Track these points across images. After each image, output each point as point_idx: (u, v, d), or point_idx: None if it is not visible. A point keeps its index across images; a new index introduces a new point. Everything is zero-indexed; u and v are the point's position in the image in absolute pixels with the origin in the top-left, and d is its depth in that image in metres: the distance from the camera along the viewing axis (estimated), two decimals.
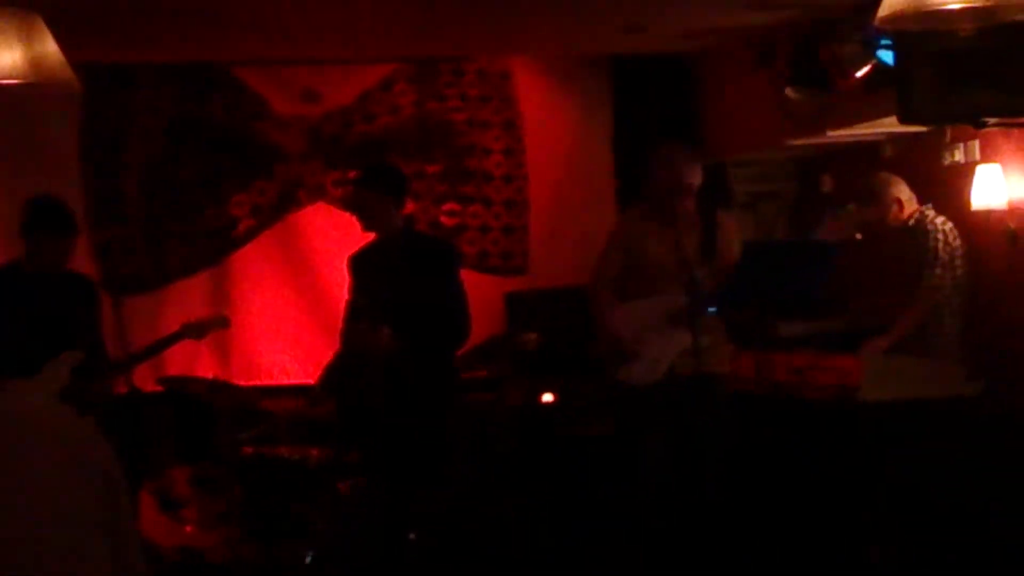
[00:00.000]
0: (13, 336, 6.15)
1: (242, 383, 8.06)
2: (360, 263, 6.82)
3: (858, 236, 6.78)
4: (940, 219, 6.84)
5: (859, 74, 6.92)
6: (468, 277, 7.07)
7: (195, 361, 8.07)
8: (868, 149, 8.05)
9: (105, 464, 2.57)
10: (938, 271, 6.71)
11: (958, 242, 6.80)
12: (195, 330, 6.73)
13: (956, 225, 6.89)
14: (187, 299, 8.40)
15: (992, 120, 6.22)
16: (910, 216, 6.86)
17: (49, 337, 6.15)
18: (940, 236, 6.78)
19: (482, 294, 8.27)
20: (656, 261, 6.45)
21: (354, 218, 6.66)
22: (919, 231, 6.80)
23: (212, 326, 6.83)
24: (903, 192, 6.90)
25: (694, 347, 6.24)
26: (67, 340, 6.18)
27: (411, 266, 6.58)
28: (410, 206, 8.48)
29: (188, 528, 6.84)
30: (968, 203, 7.06)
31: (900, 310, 6.82)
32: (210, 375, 7.64)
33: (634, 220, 6.70)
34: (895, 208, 6.87)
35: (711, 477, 6.42)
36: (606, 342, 6.57)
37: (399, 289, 6.54)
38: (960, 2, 3.37)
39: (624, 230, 6.71)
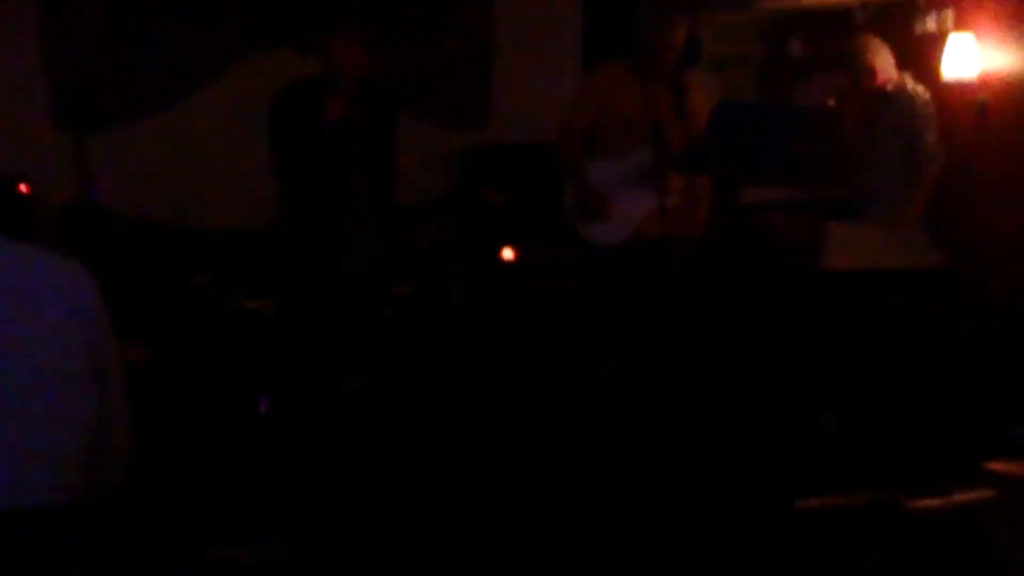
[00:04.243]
0: None
1: None
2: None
3: (830, 102, 6.71)
4: (920, 87, 6.75)
5: None
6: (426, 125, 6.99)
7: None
8: (840, 15, 7.94)
9: (93, 309, 2.55)
10: (930, 138, 6.65)
11: (931, 110, 6.73)
12: None
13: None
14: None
15: None
16: (886, 82, 6.77)
17: None
18: (922, 104, 6.70)
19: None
20: (628, 117, 6.38)
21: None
22: (902, 98, 6.70)
23: None
24: (881, 59, 6.77)
25: (659, 209, 6.20)
26: None
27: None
28: None
29: None
30: (939, 73, 6.99)
31: (908, 185, 6.72)
32: None
33: (609, 74, 6.61)
34: (867, 75, 6.76)
35: (679, 343, 6.40)
36: (573, 197, 6.51)
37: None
38: None
39: (597, 84, 6.62)
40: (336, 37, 6.57)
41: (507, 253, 7.65)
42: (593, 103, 6.50)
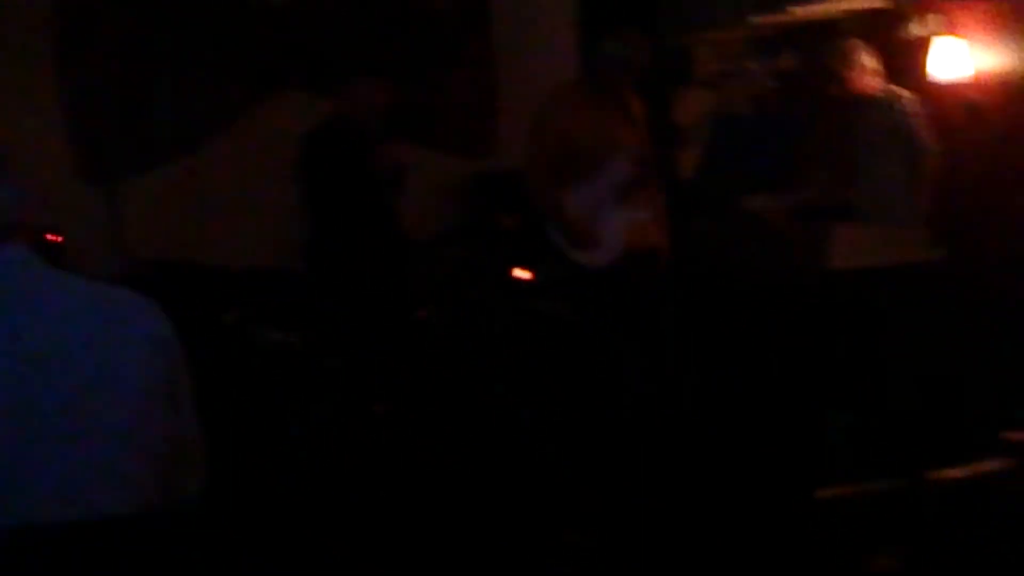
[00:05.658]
0: None
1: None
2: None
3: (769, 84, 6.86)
4: (905, 91, 6.97)
5: None
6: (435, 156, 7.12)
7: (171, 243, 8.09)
8: (828, 26, 8.13)
9: (166, 337, 2.60)
10: (924, 136, 6.86)
11: (920, 109, 6.93)
12: None
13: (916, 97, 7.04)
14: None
15: None
16: (871, 86, 6.97)
17: None
18: (911, 104, 6.91)
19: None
20: (589, 137, 6.53)
21: None
22: (892, 101, 6.92)
23: None
24: (870, 61, 7.00)
25: (641, 221, 6.42)
26: None
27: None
28: None
29: None
30: (926, 75, 7.21)
31: (908, 186, 6.92)
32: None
33: (564, 98, 6.77)
34: (862, 75, 6.97)
35: (664, 353, 6.58)
36: (559, 227, 6.65)
37: None
38: None
39: (554, 109, 6.74)
40: (364, 84, 6.82)
41: (519, 273, 7.79)
42: (552, 129, 6.61)
